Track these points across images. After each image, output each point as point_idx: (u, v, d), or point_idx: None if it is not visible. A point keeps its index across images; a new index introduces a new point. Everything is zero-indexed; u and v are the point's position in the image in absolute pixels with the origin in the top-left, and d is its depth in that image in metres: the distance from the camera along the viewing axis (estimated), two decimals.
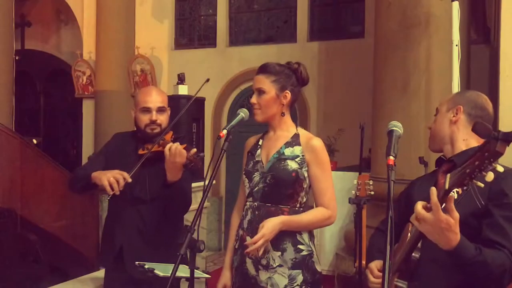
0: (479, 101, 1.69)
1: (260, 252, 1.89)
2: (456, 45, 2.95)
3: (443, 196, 1.33)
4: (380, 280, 1.69)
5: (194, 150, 2.05)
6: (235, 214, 2.20)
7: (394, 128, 1.56)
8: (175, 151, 2.02)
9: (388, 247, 1.33)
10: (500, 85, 3.73)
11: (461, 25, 3.09)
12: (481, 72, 5.02)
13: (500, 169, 1.26)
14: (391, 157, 1.45)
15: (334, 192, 2.03)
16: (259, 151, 2.08)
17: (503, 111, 3.68)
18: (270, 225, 1.87)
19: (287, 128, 2.06)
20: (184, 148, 2.05)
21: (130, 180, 2.12)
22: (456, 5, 2.97)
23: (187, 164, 2.04)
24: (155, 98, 2.32)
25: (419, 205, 1.37)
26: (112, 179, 2.09)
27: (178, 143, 2.06)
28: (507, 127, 3.63)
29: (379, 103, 4.33)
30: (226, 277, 2.13)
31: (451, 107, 1.69)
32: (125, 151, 2.36)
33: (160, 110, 2.32)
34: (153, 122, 2.29)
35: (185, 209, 2.34)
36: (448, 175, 1.33)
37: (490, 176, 1.22)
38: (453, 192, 1.39)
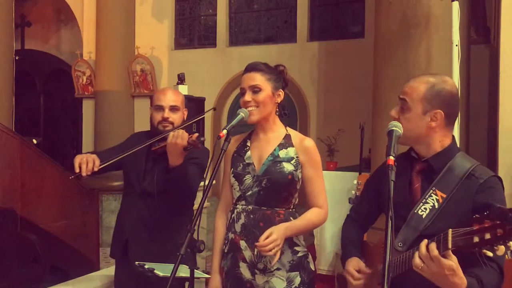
0: (453, 95, 1.60)
1: (276, 259, 1.85)
2: (456, 45, 2.94)
3: (443, 250, 1.33)
4: (360, 282, 1.69)
5: (196, 134, 2.09)
6: (220, 217, 2.14)
7: (394, 128, 1.55)
8: (177, 133, 2.07)
9: (388, 247, 1.32)
10: (500, 85, 3.73)
11: (461, 25, 3.08)
12: (481, 72, 5.02)
13: None
14: (391, 157, 1.45)
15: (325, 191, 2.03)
16: (248, 152, 2.01)
17: (503, 111, 3.68)
18: (277, 230, 1.83)
19: (277, 129, 2.01)
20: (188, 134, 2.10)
21: (96, 169, 2.15)
22: (456, 5, 2.96)
23: (187, 147, 2.08)
24: (168, 97, 2.39)
25: (423, 248, 1.36)
26: (84, 159, 2.13)
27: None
28: (507, 127, 3.65)
29: (379, 103, 4.32)
30: (216, 281, 2.05)
31: (428, 109, 1.57)
32: (138, 149, 2.39)
33: (173, 108, 2.38)
34: (165, 119, 2.36)
35: (188, 196, 2.35)
36: (450, 231, 1.31)
37: (501, 250, 1.22)
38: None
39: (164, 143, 2.24)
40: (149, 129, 2.51)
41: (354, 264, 1.73)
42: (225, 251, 2.04)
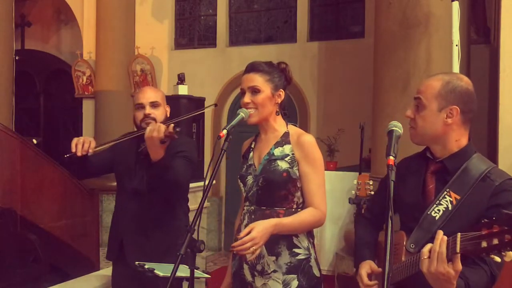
0: (469, 92, 1.58)
1: (253, 256, 1.75)
2: (456, 45, 2.94)
3: (451, 254, 1.31)
4: None
5: (172, 125, 2.10)
6: (237, 220, 2.14)
7: (394, 128, 1.54)
8: (153, 127, 2.09)
9: (388, 248, 1.32)
10: (500, 85, 3.73)
11: (461, 25, 3.08)
12: (481, 72, 5.01)
13: None
14: (391, 157, 1.44)
15: (325, 191, 1.93)
16: (251, 154, 2.02)
17: (503, 111, 3.68)
18: (261, 228, 1.74)
19: (278, 128, 1.99)
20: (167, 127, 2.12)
21: (91, 151, 2.19)
22: (456, 5, 2.96)
23: (164, 139, 2.09)
24: (147, 95, 2.41)
25: (427, 248, 1.36)
26: (80, 140, 2.18)
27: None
28: (507, 127, 3.65)
29: (379, 103, 4.33)
30: (225, 283, 2.11)
31: (444, 106, 1.55)
32: (128, 149, 2.44)
33: (153, 105, 2.39)
34: (146, 116, 2.37)
35: (176, 189, 2.32)
36: (458, 235, 1.30)
37: (509, 256, 1.20)
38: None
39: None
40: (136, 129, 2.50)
41: (367, 267, 1.70)
42: (234, 252, 2.01)
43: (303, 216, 1.88)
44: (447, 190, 1.55)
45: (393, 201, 1.74)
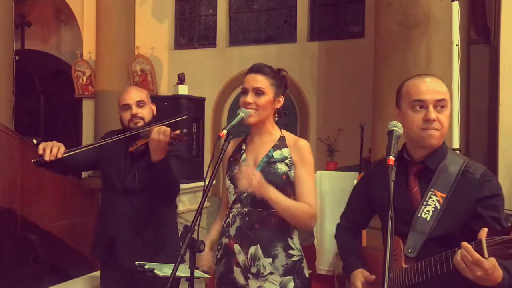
0: None
1: (250, 189, 1.81)
2: (456, 45, 2.94)
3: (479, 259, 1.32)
4: None
5: (178, 131, 2.09)
6: (218, 221, 2.13)
7: (394, 128, 1.54)
8: (159, 129, 2.08)
9: (388, 248, 1.31)
10: (500, 85, 3.72)
11: (461, 25, 3.08)
12: (481, 72, 5.01)
13: None
14: (391, 157, 1.44)
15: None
16: (244, 155, 2.01)
17: (503, 111, 3.67)
18: (263, 182, 1.79)
19: (273, 132, 2.01)
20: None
21: (59, 155, 2.13)
22: (456, 5, 2.96)
23: (171, 142, 2.08)
24: (133, 95, 2.41)
25: (459, 257, 1.36)
26: (49, 145, 2.13)
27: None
28: (507, 127, 3.64)
29: (379, 103, 4.32)
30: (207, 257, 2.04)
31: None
32: (116, 148, 2.42)
33: (139, 104, 2.39)
34: (134, 116, 2.37)
35: (174, 188, 2.35)
36: (483, 240, 1.31)
37: None
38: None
39: (141, 141, 2.26)
40: (122, 129, 2.49)
41: (360, 277, 1.69)
42: (218, 256, 2.02)
43: (298, 206, 1.90)
44: (432, 190, 1.57)
45: (372, 203, 1.75)
